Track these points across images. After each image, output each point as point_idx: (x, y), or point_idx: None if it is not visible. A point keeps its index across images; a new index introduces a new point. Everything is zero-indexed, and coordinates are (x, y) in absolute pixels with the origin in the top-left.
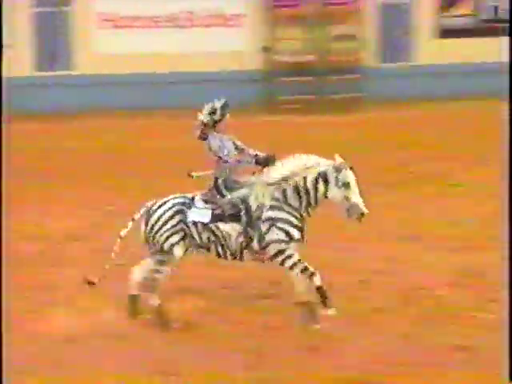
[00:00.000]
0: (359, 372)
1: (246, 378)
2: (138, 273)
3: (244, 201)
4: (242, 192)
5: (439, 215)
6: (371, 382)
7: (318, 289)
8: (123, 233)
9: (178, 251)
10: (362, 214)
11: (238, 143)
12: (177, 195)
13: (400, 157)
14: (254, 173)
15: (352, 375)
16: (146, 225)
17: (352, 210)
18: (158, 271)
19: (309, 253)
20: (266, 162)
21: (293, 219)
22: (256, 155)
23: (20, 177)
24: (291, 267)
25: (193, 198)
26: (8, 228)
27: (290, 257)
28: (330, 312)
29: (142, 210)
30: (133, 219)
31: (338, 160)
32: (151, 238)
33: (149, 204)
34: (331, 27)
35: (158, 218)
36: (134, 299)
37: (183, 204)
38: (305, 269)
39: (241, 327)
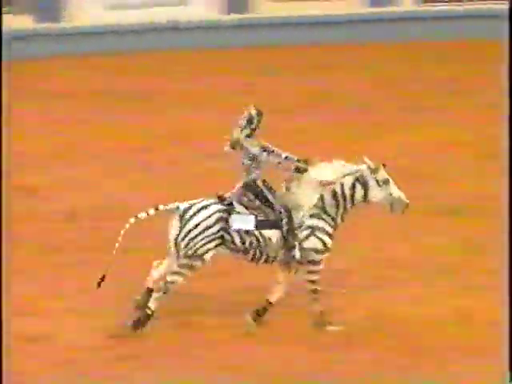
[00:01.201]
0: None
1: None
2: (157, 269)
3: (287, 206)
4: (285, 197)
5: None
6: None
7: (319, 313)
8: (131, 220)
9: (209, 257)
10: (406, 205)
11: (267, 145)
12: (209, 200)
13: None
14: (285, 180)
15: None
16: (180, 230)
17: (396, 204)
18: (179, 274)
19: None
20: (302, 168)
21: (329, 228)
22: (286, 157)
23: None
24: (311, 282)
25: (228, 204)
26: None
27: (317, 273)
28: (332, 328)
29: (166, 208)
30: (156, 208)
31: (368, 162)
32: (184, 244)
33: (180, 208)
34: None
35: (196, 225)
36: (148, 294)
37: (222, 211)
38: (316, 291)
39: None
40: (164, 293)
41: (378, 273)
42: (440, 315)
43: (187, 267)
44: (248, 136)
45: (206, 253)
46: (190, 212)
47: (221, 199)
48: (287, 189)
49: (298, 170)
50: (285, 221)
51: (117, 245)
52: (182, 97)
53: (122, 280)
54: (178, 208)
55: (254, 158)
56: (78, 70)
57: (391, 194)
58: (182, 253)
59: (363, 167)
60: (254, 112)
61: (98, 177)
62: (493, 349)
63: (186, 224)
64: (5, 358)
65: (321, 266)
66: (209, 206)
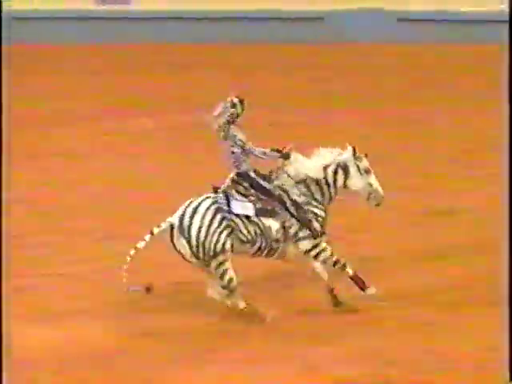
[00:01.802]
0: None
1: None
2: (213, 292)
3: (282, 195)
4: (279, 185)
5: None
6: None
7: (352, 277)
8: (140, 245)
9: (229, 246)
10: (382, 198)
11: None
12: (198, 199)
13: None
14: (278, 168)
15: None
16: (189, 241)
17: (373, 196)
18: (224, 273)
19: None
20: (287, 157)
21: (320, 212)
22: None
23: None
24: (325, 261)
25: (222, 192)
26: None
27: (324, 250)
28: (370, 291)
29: (165, 225)
30: (151, 233)
31: (350, 149)
32: (201, 250)
33: (175, 221)
34: None
35: (200, 228)
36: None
37: (216, 202)
38: (337, 261)
39: None
40: (233, 291)
41: None
42: None
43: (223, 264)
44: (229, 123)
45: (224, 245)
46: (186, 221)
47: (216, 190)
48: (282, 173)
49: (284, 157)
50: (289, 203)
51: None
52: None
53: None
54: (171, 226)
55: (243, 147)
56: None
57: (371, 185)
58: (207, 259)
59: (347, 153)
60: (236, 100)
61: None
62: None
63: (189, 234)
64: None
65: (323, 244)
66: (200, 203)
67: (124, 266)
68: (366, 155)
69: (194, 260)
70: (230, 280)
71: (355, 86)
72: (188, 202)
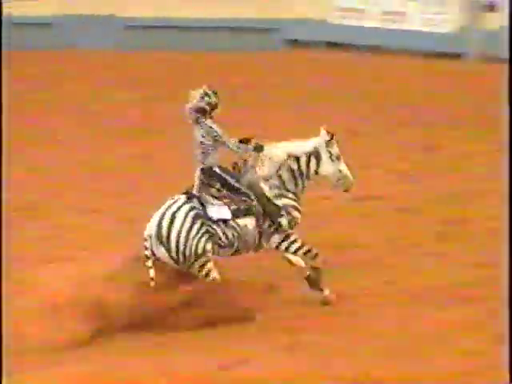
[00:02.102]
0: None
1: None
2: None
3: (252, 189)
4: (248, 179)
5: None
6: None
7: (316, 269)
8: (152, 274)
9: (210, 247)
10: (352, 184)
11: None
12: (174, 205)
13: None
14: (245, 160)
15: None
16: (168, 249)
17: (343, 181)
18: (208, 273)
19: None
20: (260, 149)
21: (294, 203)
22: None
23: None
24: (295, 251)
25: (193, 197)
26: None
27: (295, 241)
28: (327, 293)
29: (148, 242)
30: (147, 257)
31: (324, 133)
32: (181, 257)
33: (152, 232)
34: None
35: (179, 233)
36: None
37: (194, 208)
38: (308, 251)
39: None
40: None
41: None
42: None
43: (204, 266)
44: (204, 111)
45: (204, 248)
46: (164, 228)
47: (189, 196)
48: (251, 167)
49: (257, 150)
50: (255, 201)
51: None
52: None
53: None
54: (150, 236)
55: (215, 138)
56: None
57: (340, 171)
58: (188, 264)
59: (319, 140)
60: (208, 89)
61: None
62: None
63: (168, 242)
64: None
65: (294, 236)
66: (178, 210)
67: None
68: (333, 135)
69: (173, 265)
70: (214, 280)
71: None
72: (163, 208)
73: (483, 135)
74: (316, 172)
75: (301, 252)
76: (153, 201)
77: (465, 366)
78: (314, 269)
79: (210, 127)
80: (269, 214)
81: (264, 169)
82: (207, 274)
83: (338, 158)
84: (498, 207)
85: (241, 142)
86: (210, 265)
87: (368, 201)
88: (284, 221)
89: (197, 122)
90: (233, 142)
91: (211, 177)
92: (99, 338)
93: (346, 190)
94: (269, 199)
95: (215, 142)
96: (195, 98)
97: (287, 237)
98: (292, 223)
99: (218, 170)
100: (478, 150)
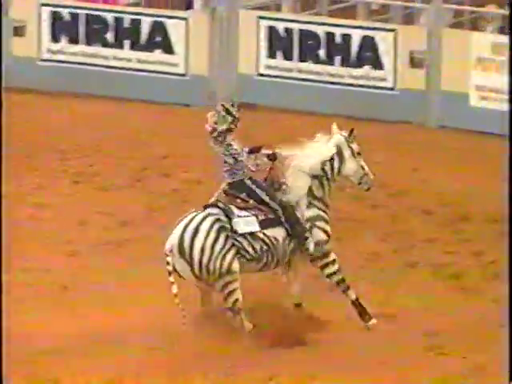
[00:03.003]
0: None
1: None
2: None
3: (282, 201)
4: (280, 199)
5: None
6: None
7: (353, 303)
8: (175, 290)
9: (237, 266)
10: (372, 182)
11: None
12: (197, 218)
13: None
14: (271, 169)
15: None
16: (191, 263)
17: (365, 179)
18: (231, 293)
19: None
20: (274, 158)
21: (324, 214)
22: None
23: None
24: (331, 275)
25: (221, 210)
26: None
27: (333, 262)
28: (371, 323)
29: (170, 258)
30: (169, 272)
31: (336, 129)
32: (205, 272)
33: (174, 245)
34: None
35: (203, 249)
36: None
37: (219, 220)
38: (342, 280)
39: None
40: (238, 313)
41: None
42: None
43: (229, 284)
44: (229, 131)
45: (231, 265)
46: (187, 240)
47: (216, 208)
48: (281, 185)
49: (271, 159)
50: (283, 218)
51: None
52: None
53: None
54: (171, 250)
55: (236, 158)
56: None
57: (363, 168)
58: (211, 280)
59: (339, 136)
60: (228, 105)
61: None
62: None
63: (191, 256)
64: None
65: (333, 255)
66: (201, 222)
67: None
68: (352, 130)
69: (195, 281)
70: (236, 301)
71: None
72: (185, 220)
73: None
74: (339, 172)
75: (334, 279)
76: None
77: None
78: (353, 303)
79: (230, 145)
80: (295, 236)
81: (299, 186)
82: (231, 294)
83: (359, 154)
84: None
85: (251, 151)
86: (235, 284)
87: None
88: (311, 245)
89: (217, 140)
90: (252, 160)
91: (240, 190)
92: None
93: (368, 189)
94: (298, 220)
95: (235, 160)
96: (215, 118)
97: (326, 254)
98: (323, 240)
99: (248, 182)
100: None
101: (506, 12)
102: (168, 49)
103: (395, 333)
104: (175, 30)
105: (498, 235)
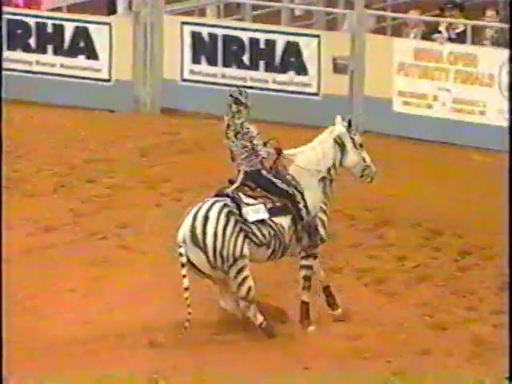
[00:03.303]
0: None
1: None
2: (228, 303)
3: (297, 186)
4: (290, 181)
5: None
6: None
7: (303, 303)
8: (186, 283)
9: (248, 250)
10: (375, 173)
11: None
12: (205, 205)
13: None
14: (276, 160)
15: None
16: (205, 251)
17: (367, 171)
18: (244, 281)
19: None
20: (278, 151)
21: (324, 207)
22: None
23: None
24: (306, 267)
25: (229, 198)
26: None
27: (315, 257)
28: (309, 329)
29: (183, 248)
30: (182, 265)
31: (340, 120)
32: (219, 259)
33: (186, 235)
34: None
35: (215, 234)
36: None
37: (227, 205)
38: (309, 278)
39: None
40: (252, 303)
41: None
42: None
43: (242, 271)
44: (244, 114)
45: (242, 249)
46: (199, 228)
47: (223, 195)
48: (284, 176)
49: (278, 152)
50: (302, 203)
51: (187, 301)
52: None
53: None
54: (184, 240)
55: (252, 140)
56: None
57: (365, 160)
58: (225, 267)
59: (340, 127)
60: (235, 93)
61: None
62: None
63: (204, 242)
64: None
65: (318, 250)
66: (210, 209)
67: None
68: (357, 127)
69: (209, 271)
70: (249, 289)
71: None
72: (194, 210)
73: None
74: (341, 163)
75: (304, 273)
76: None
77: None
78: (302, 304)
79: (248, 128)
80: (306, 227)
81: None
82: (243, 281)
83: (361, 146)
84: None
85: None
86: (246, 271)
87: None
88: (323, 231)
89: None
90: (262, 149)
91: (256, 180)
92: None
93: (371, 181)
94: (307, 207)
95: (251, 143)
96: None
97: (315, 246)
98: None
99: (264, 172)
100: None
101: (428, 18)
102: (91, 54)
103: (318, 337)
104: (99, 35)
105: (421, 240)
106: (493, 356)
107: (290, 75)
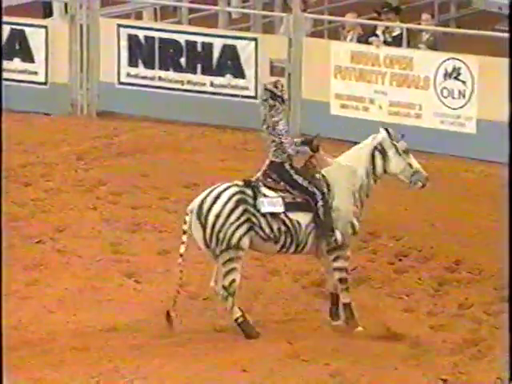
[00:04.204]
0: None
1: None
2: (218, 284)
3: (321, 188)
4: (319, 180)
5: None
6: None
7: (345, 305)
8: (183, 249)
9: (247, 243)
10: (427, 179)
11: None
12: (224, 185)
13: None
14: (310, 157)
15: None
16: (204, 227)
17: (416, 177)
18: (231, 271)
19: None
20: (316, 149)
21: (356, 209)
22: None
23: None
24: (339, 269)
25: (249, 186)
26: None
27: (346, 259)
28: (356, 330)
29: (189, 217)
30: (184, 232)
31: (383, 130)
32: (214, 239)
33: (195, 206)
34: None
35: (218, 215)
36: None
37: (242, 193)
38: (345, 280)
39: None
40: (232, 296)
41: None
42: None
43: (232, 261)
44: (280, 109)
45: (240, 240)
46: (205, 206)
47: (245, 182)
48: (314, 175)
49: (312, 150)
50: (321, 203)
51: (180, 268)
52: None
53: None
54: (191, 210)
55: (280, 137)
56: None
57: (411, 166)
58: (217, 251)
59: (381, 135)
60: (270, 86)
61: None
62: None
63: (206, 219)
64: None
65: (349, 253)
66: (225, 190)
67: (179, 269)
68: (403, 135)
69: (204, 247)
70: (233, 281)
71: None
72: (213, 187)
73: None
74: (385, 171)
75: (339, 275)
76: None
77: None
78: (344, 306)
79: (277, 123)
80: (324, 224)
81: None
82: (230, 272)
83: (405, 153)
84: None
85: (303, 142)
86: (237, 263)
87: None
88: (339, 235)
89: (271, 114)
90: (293, 146)
91: (277, 172)
92: None
93: (423, 186)
94: (329, 210)
95: (280, 140)
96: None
97: (343, 248)
98: (348, 234)
99: (287, 166)
100: None
101: (365, 21)
102: (27, 57)
103: (257, 340)
104: (34, 38)
105: (359, 242)
106: (429, 357)
107: (228, 78)
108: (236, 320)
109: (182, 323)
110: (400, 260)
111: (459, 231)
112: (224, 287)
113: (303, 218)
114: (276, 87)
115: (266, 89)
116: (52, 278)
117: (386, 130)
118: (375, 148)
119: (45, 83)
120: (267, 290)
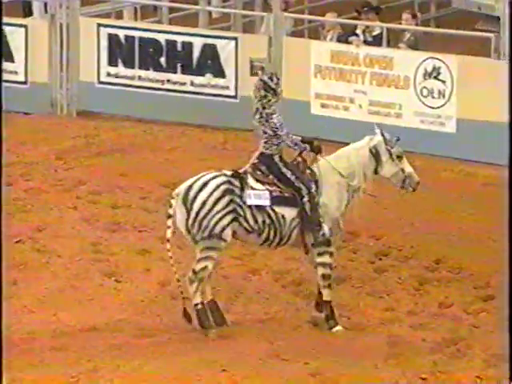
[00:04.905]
0: None
1: None
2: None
3: (309, 184)
4: (307, 176)
5: None
6: None
7: (326, 303)
8: (169, 234)
9: (229, 234)
10: (418, 183)
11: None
12: (212, 174)
13: None
14: (300, 153)
15: None
16: (188, 213)
17: (408, 181)
18: (206, 259)
19: None
20: (318, 151)
21: (343, 208)
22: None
23: None
24: (323, 265)
25: (237, 177)
26: None
27: (331, 255)
28: (335, 329)
29: (174, 200)
30: (169, 216)
31: (379, 132)
32: (196, 226)
33: (181, 191)
34: None
35: (204, 202)
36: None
37: (229, 183)
38: (328, 276)
39: None
40: (198, 281)
41: None
42: None
43: (211, 250)
44: (272, 101)
45: (223, 230)
46: (192, 192)
47: (233, 173)
48: (304, 171)
49: (314, 151)
50: (306, 198)
51: (169, 253)
52: None
53: None
54: (178, 194)
55: (275, 131)
56: None
57: (403, 171)
58: (198, 237)
59: (378, 138)
60: (265, 77)
61: None
62: None
63: (191, 205)
64: None
65: (333, 249)
66: (213, 178)
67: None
68: (398, 139)
69: (184, 232)
70: (204, 268)
71: None
72: (200, 174)
73: None
74: (376, 172)
75: (322, 271)
76: None
77: None
78: (324, 303)
79: (271, 117)
80: (310, 219)
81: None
82: (205, 259)
83: (399, 158)
84: None
85: (302, 141)
86: (214, 253)
87: None
88: (326, 229)
89: (262, 104)
90: (291, 137)
91: (267, 164)
92: None
93: (413, 190)
94: (317, 205)
95: (274, 133)
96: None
97: (327, 244)
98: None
99: (276, 158)
100: None
101: (345, 21)
102: (7, 56)
103: (237, 340)
104: (14, 38)
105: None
106: (409, 356)
107: (208, 77)
108: (195, 305)
109: (162, 322)
110: (380, 259)
111: (439, 230)
112: (194, 271)
113: (288, 213)
114: (271, 79)
115: (260, 79)
116: (32, 277)
117: (382, 134)
118: (370, 151)
119: (25, 82)
120: (247, 290)
